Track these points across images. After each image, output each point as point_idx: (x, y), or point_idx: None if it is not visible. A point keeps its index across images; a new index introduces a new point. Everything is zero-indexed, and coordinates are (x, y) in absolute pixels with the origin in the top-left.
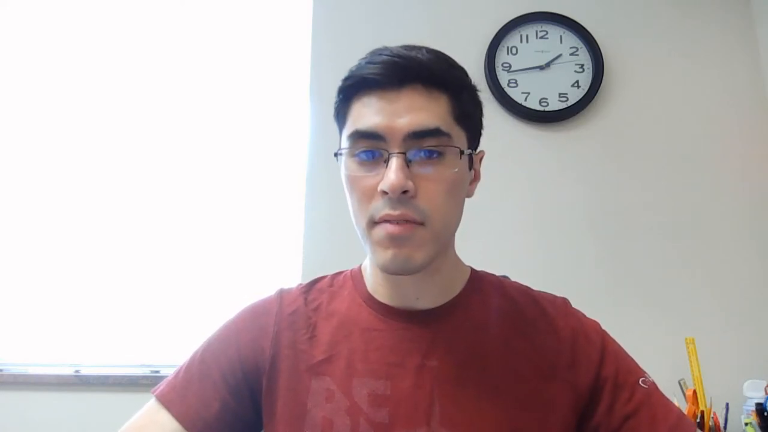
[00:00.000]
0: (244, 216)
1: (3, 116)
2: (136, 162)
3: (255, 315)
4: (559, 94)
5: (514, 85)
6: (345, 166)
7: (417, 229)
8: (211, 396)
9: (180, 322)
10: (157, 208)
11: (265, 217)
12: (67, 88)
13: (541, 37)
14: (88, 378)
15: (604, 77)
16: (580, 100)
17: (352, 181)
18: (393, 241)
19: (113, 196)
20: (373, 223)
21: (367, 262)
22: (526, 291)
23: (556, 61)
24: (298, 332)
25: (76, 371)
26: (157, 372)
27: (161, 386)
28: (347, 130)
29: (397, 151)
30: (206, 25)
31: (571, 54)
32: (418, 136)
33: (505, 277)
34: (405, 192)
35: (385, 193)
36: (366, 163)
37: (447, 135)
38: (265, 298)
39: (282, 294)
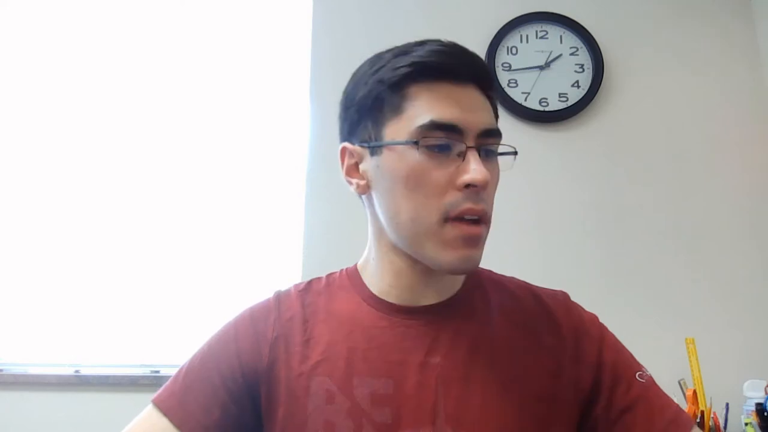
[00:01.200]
0: (244, 216)
1: (3, 116)
2: (136, 162)
3: (253, 320)
4: (559, 94)
5: (514, 85)
6: (403, 157)
7: (485, 228)
8: (211, 402)
9: (180, 323)
10: (157, 208)
11: (265, 218)
12: (67, 88)
13: (541, 37)
14: (88, 378)
15: (604, 77)
16: (580, 100)
17: (420, 173)
18: (468, 241)
19: (113, 196)
20: (446, 219)
21: (368, 261)
22: (526, 287)
23: (556, 61)
24: (296, 336)
25: (76, 371)
26: (157, 372)
27: (160, 392)
28: (412, 118)
29: (473, 145)
30: (206, 25)
31: (571, 54)
32: (488, 134)
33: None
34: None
35: (466, 187)
36: (437, 155)
37: (501, 136)
38: (263, 303)
39: (280, 298)
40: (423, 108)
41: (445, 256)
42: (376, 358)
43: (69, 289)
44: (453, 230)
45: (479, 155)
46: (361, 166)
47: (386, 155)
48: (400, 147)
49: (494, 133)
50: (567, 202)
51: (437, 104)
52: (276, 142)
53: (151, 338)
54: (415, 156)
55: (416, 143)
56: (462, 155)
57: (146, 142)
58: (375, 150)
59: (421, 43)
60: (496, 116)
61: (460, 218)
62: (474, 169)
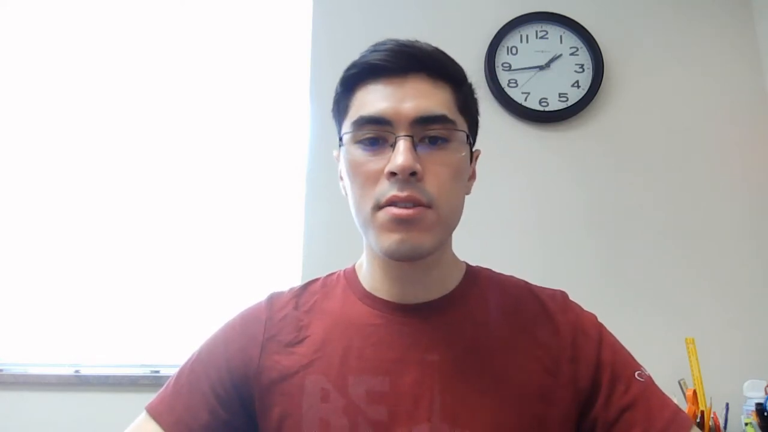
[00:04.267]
0: (244, 216)
1: (3, 116)
2: (136, 162)
3: (244, 323)
4: (559, 94)
5: (514, 85)
6: (347, 153)
7: (425, 211)
8: (199, 407)
9: (180, 322)
10: (158, 208)
11: (265, 218)
12: (67, 88)
13: (541, 37)
14: (88, 378)
15: (604, 77)
16: (580, 100)
17: (356, 166)
18: (399, 224)
19: (113, 196)
20: (378, 206)
21: (363, 260)
22: (524, 285)
23: (556, 61)
24: (289, 336)
25: (76, 371)
26: (157, 372)
27: (152, 399)
28: (351, 118)
29: (404, 134)
30: (206, 25)
31: (571, 54)
32: (425, 121)
33: None
34: (413, 174)
35: (392, 174)
36: (371, 148)
37: (452, 122)
38: (255, 305)
39: (272, 299)
40: (357, 106)
41: (382, 241)
42: (371, 355)
43: (69, 289)
44: (384, 214)
45: (415, 144)
46: (341, 170)
47: (341, 154)
48: (345, 144)
49: (436, 119)
50: (567, 202)
51: (368, 100)
52: (276, 142)
53: (151, 338)
54: (352, 151)
55: (340, 139)
56: (394, 146)
57: (146, 142)
58: (339, 146)
59: (377, 45)
60: (465, 101)
61: (390, 204)
62: (395, 158)
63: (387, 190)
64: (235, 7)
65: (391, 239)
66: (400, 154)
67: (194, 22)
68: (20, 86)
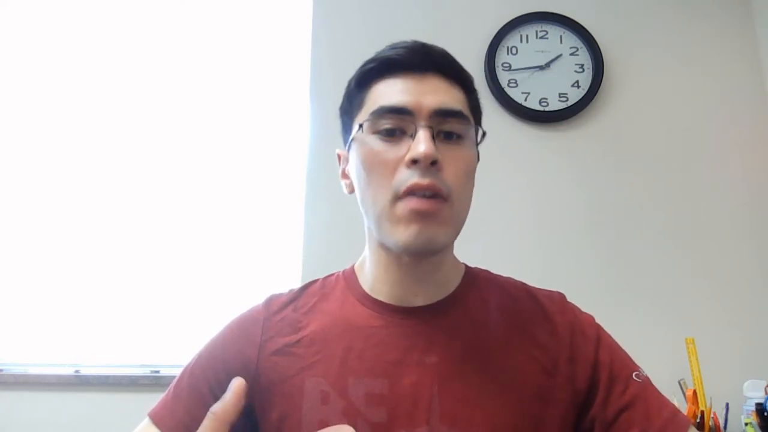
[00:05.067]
0: (244, 216)
1: (3, 116)
2: (136, 163)
3: (242, 325)
4: (559, 94)
5: (514, 85)
6: (363, 143)
7: (442, 204)
8: (199, 410)
9: (181, 323)
10: (158, 209)
11: (265, 218)
12: (67, 88)
13: (541, 37)
14: (88, 378)
15: (604, 77)
16: (580, 100)
17: (373, 155)
18: (419, 216)
19: (113, 196)
20: (396, 197)
21: (363, 261)
22: (522, 286)
23: (556, 61)
24: (288, 337)
25: (76, 371)
26: (158, 372)
27: (154, 405)
28: (369, 109)
29: (424, 124)
30: (206, 25)
31: (571, 54)
32: (444, 114)
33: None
34: (434, 163)
35: (413, 162)
36: (389, 139)
37: (468, 119)
38: (252, 308)
39: (270, 301)
40: (376, 97)
41: (399, 234)
42: (371, 357)
43: (69, 289)
44: (403, 206)
45: (434, 136)
46: (348, 167)
47: (353, 147)
48: (360, 136)
49: (453, 114)
50: (567, 201)
51: (388, 92)
52: (276, 142)
53: (151, 338)
54: (369, 141)
55: (360, 127)
56: (413, 136)
57: (146, 142)
58: (350, 146)
59: (394, 43)
60: (474, 105)
61: (410, 194)
62: (417, 146)
63: (407, 177)
64: (235, 7)
65: (408, 231)
66: (422, 143)
67: (194, 23)
68: (20, 87)
